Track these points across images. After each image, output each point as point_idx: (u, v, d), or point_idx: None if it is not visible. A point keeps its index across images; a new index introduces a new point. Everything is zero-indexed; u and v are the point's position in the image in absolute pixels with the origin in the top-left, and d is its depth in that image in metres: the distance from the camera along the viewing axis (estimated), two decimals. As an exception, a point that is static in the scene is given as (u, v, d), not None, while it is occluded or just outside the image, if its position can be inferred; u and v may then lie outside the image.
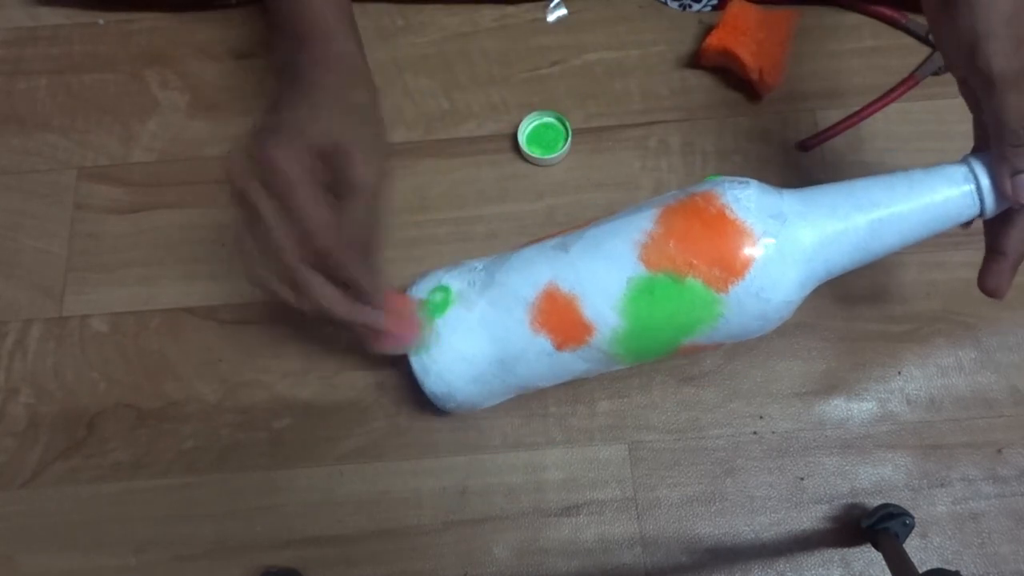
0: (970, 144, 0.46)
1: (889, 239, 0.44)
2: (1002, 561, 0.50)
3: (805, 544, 0.51)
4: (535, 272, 0.46)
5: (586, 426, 0.54)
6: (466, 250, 0.55)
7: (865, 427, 0.53)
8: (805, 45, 0.61)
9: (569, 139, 0.59)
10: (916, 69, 0.60)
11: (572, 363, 0.47)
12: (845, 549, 0.51)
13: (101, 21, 0.66)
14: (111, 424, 0.55)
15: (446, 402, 0.48)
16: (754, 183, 0.45)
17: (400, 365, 0.47)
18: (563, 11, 0.64)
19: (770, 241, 0.43)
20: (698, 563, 0.51)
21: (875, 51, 0.62)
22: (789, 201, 0.44)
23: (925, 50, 0.61)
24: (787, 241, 0.43)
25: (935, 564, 0.50)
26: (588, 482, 0.53)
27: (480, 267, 0.48)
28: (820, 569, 0.50)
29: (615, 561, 0.51)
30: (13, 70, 0.65)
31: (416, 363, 0.47)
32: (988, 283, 0.45)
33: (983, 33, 0.40)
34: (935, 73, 0.60)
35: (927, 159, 0.45)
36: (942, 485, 0.51)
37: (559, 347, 0.46)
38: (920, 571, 0.43)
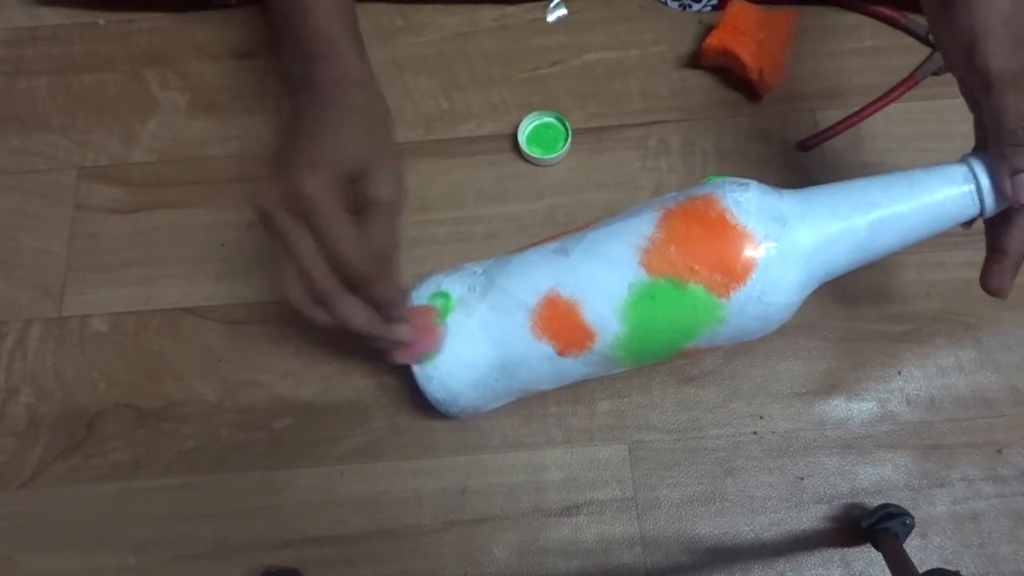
0: (970, 144, 0.46)
1: (889, 239, 0.43)
2: (1002, 561, 0.50)
3: (805, 544, 0.51)
4: (536, 277, 0.46)
5: (586, 426, 0.54)
6: (466, 250, 0.55)
7: (865, 427, 0.53)
8: (805, 45, 0.61)
9: (569, 139, 0.59)
10: (916, 69, 0.60)
11: (574, 367, 0.47)
12: (845, 549, 0.51)
13: (101, 21, 0.66)
14: (111, 424, 0.55)
15: (448, 407, 0.48)
16: (754, 185, 0.45)
17: (400, 366, 0.47)
18: (563, 11, 0.64)
19: (771, 244, 0.43)
20: (698, 563, 0.51)
21: (875, 51, 0.62)
22: (789, 202, 0.44)
23: (925, 50, 0.61)
24: (788, 243, 0.43)
25: (935, 564, 0.50)
26: (588, 482, 0.53)
27: (480, 271, 0.48)
28: (820, 569, 0.50)
29: (615, 561, 0.51)
30: (13, 70, 0.65)
31: (418, 370, 0.47)
32: (991, 283, 0.45)
33: (981, 33, 0.40)
34: (935, 73, 0.60)
35: (927, 159, 0.45)
36: (942, 485, 0.51)
37: (561, 352, 0.46)
38: (920, 571, 0.43)
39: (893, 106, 0.60)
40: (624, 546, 0.51)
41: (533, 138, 0.60)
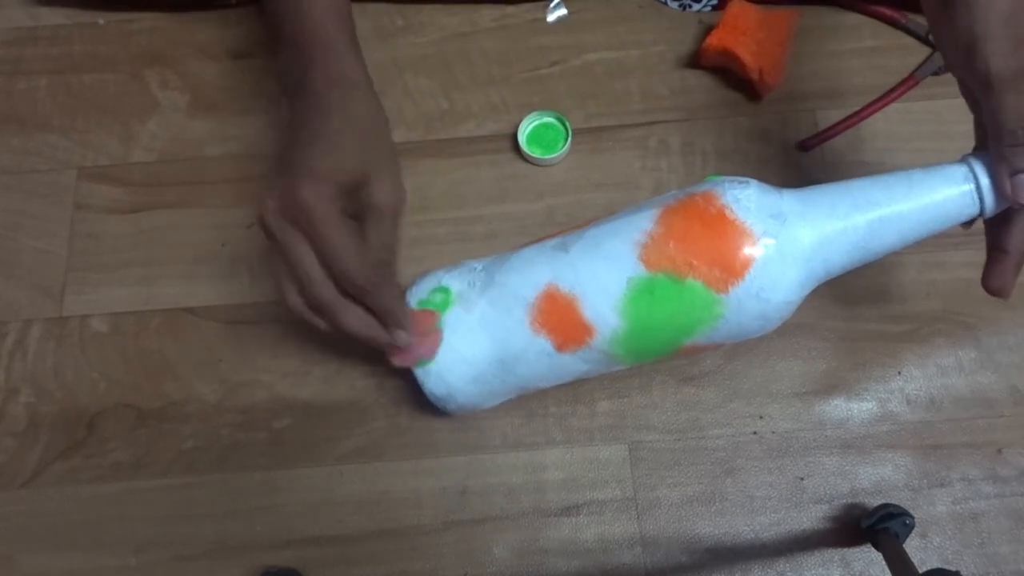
0: (970, 144, 0.46)
1: (889, 239, 0.44)
2: (1002, 561, 0.50)
3: (805, 544, 0.51)
4: (535, 272, 0.46)
5: (586, 426, 0.54)
6: (466, 250, 0.55)
7: (865, 427, 0.53)
8: (805, 45, 0.61)
9: (569, 139, 0.59)
10: (916, 69, 0.60)
11: (572, 364, 0.47)
12: (845, 549, 0.51)
13: (101, 21, 0.66)
14: (111, 424, 0.55)
15: (447, 403, 0.48)
16: (754, 183, 0.45)
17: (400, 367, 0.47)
18: (563, 11, 0.64)
19: (770, 241, 0.43)
20: (698, 563, 0.51)
21: (875, 51, 0.62)
22: (789, 201, 0.44)
23: (925, 50, 0.61)
24: (787, 241, 0.43)
25: (935, 564, 0.50)
26: (588, 482, 0.53)
27: (480, 267, 0.48)
28: (820, 569, 0.50)
29: (615, 561, 0.51)
30: (13, 70, 0.65)
31: (417, 365, 0.47)
32: (992, 283, 0.45)
33: (981, 34, 0.40)
34: (935, 73, 0.60)
35: (927, 159, 0.45)
36: (942, 485, 0.51)
37: (559, 348, 0.46)
38: (920, 571, 0.43)
39: (893, 106, 0.60)
40: (624, 546, 0.51)
41: (533, 138, 0.60)
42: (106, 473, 0.54)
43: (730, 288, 0.43)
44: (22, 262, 0.59)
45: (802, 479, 0.52)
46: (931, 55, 0.61)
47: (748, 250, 0.42)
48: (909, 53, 0.61)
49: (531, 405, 0.54)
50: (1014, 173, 0.41)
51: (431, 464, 0.53)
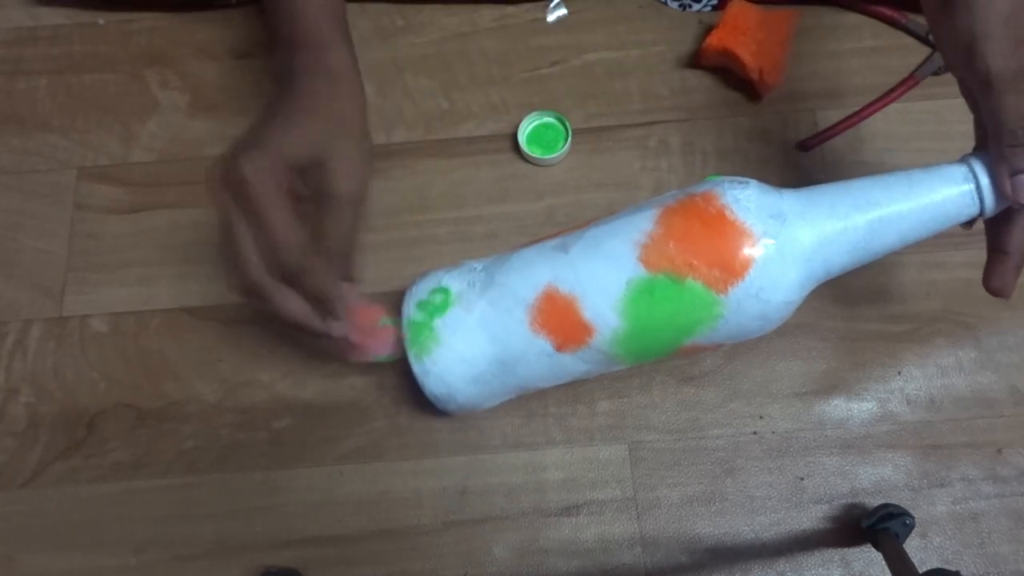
0: (970, 144, 0.46)
1: (889, 239, 0.44)
2: (1002, 561, 0.50)
3: (805, 544, 0.51)
4: (535, 273, 0.46)
5: (586, 426, 0.54)
6: (466, 250, 0.55)
7: (865, 427, 0.53)
8: (805, 45, 0.61)
9: (569, 139, 0.59)
10: (916, 69, 0.60)
11: (572, 364, 0.47)
12: (845, 549, 0.51)
13: (101, 21, 0.66)
14: (111, 424, 0.55)
15: (447, 403, 0.48)
16: (754, 183, 0.45)
17: (400, 365, 0.47)
18: (563, 11, 0.64)
19: (770, 242, 0.43)
20: (698, 563, 0.51)
21: (875, 51, 0.62)
22: (789, 201, 0.44)
23: (925, 50, 0.61)
24: (787, 241, 0.43)
25: (935, 564, 0.50)
26: (588, 482, 0.53)
27: (480, 268, 0.48)
28: (820, 569, 0.50)
29: (615, 561, 0.51)
30: (13, 70, 0.65)
31: (416, 365, 0.47)
32: (993, 283, 0.45)
33: (981, 34, 0.40)
34: (935, 73, 0.60)
35: (927, 159, 0.45)
36: (942, 485, 0.51)
37: (559, 348, 0.46)
38: (920, 571, 0.43)
39: (893, 106, 0.60)
40: (624, 546, 0.51)
41: (533, 138, 0.60)
42: (106, 473, 0.54)
43: (730, 288, 0.43)
44: (22, 262, 0.59)
45: (802, 479, 0.52)
46: (931, 55, 0.61)
47: (748, 250, 0.42)
48: (909, 53, 0.61)
49: (531, 405, 0.54)
50: (1014, 173, 0.41)
51: (431, 464, 0.53)
